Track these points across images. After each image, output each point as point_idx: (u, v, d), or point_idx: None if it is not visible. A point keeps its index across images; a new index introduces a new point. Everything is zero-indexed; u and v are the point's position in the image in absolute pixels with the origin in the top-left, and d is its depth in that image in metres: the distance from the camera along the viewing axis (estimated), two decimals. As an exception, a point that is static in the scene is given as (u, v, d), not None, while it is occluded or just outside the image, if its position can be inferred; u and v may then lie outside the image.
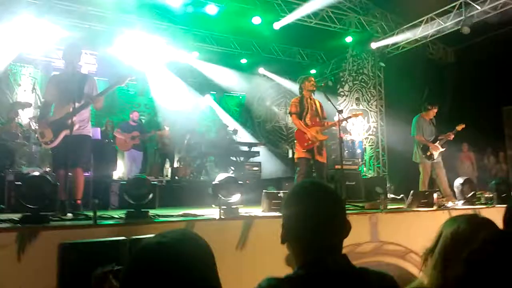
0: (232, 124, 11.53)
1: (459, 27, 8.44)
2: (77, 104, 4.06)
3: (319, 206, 1.22)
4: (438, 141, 6.53)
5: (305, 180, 1.31)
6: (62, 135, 4.07)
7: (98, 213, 3.08)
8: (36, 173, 3.32)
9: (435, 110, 6.65)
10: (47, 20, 8.31)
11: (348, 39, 9.91)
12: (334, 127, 5.80)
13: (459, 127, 6.68)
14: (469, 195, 5.50)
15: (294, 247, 1.25)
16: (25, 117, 7.91)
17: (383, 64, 10.55)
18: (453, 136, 6.64)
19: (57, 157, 4.18)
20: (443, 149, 6.58)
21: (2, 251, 2.47)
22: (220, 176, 3.78)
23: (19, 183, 3.05)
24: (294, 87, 11.02)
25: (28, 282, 2.45)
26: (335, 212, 1.24)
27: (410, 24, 9.60)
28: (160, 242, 1.01)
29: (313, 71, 11.79)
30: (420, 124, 6.58)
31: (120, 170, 8.33)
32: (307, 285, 1.14)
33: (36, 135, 6.50)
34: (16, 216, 3.03)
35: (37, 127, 6.05)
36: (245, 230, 3.29)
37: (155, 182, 3.48)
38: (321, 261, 1.17)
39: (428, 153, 6.48)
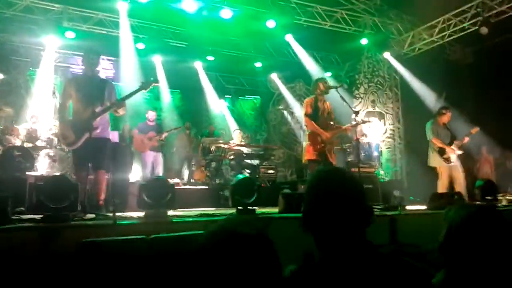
0: (246, 128, 11.55)
1: (477, 27, 8.31)
2: (99, 108, 4.16)
3: (342, 190, 1.23)
4: (454, 145, 6.44)
5: (325, 167, 1.34)
6: (85, 137, 4.11)
7: (118, 215, 3.12)
8: (58, 173, 3.38)
9: (449, 114, 6.57)
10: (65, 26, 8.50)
11: (364, 41, 9.81)
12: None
13: (473, 131, 6.56)
14: (491, 197, 5.40)
15: (318, 233, 1.25)
16: (45, 121, 8.06)
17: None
18: (467, 140, 6.51)
19: (79, 159, 4.25)
20: (461, 152, 6.49)
21: (24, 249, 2.51)
22: (237, 178, 3.79)
23: (41, 183, 3.11)
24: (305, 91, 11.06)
25: (50, 279, 2.49)
26: (357, 196, 1.25)
27: (427, 25, 9.49)
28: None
29: (328, 74, 11.74)
30: (435, 129, 6.49)
31: (138, 173, 8.39)
32: (331, 270, 1.14)
33: (57, 137, 6.63)
34: (37, 217, 3.09)
35: (57, 129, 6.16)
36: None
37: (173, 182, 3.51)
38: (346, 247, 1.17)
39: (445, 156, 6.38)
